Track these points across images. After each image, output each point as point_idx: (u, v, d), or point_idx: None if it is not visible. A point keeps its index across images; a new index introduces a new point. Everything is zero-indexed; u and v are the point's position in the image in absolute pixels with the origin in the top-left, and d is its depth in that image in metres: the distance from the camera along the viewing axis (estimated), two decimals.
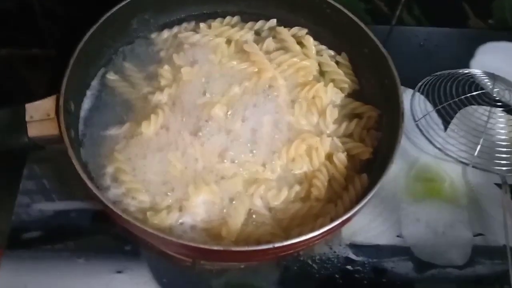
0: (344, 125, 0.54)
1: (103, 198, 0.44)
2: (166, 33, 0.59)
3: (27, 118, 0.46)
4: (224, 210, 0.48)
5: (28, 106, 0.47)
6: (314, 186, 0.50)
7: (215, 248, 0.41)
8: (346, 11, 0.56)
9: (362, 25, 0.56)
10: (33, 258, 0.52)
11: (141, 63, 0.57)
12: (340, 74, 0.57)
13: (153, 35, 0.59)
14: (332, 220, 0.45)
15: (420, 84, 0.66)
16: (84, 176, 0.44)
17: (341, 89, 0.57)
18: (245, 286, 0.52)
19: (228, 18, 0.61)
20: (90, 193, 0.45)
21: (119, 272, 0.51)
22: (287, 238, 0.45)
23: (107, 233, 0.53)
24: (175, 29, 0.60)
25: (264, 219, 0.48)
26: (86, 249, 0.53)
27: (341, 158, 0.51)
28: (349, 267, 0.53)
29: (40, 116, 0.46)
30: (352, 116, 0.56)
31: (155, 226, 0.46)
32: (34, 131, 0.46)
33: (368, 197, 0.45)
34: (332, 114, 0.54)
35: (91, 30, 0.52)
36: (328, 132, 0.54)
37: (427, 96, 0.65)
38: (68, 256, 0.52)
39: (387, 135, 0.52)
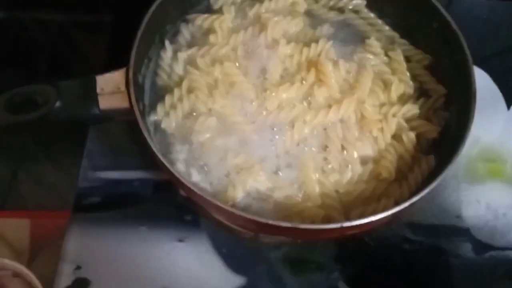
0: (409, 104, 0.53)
1: (177, 174, 0.45)
2: None
3: (98, 90, 0.47)
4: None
5: (99, 78, 0.47)
6: (383, 168, 0.49)
7: (283, 225, 0.41)
8: None
9: None
10: (98, 224, 0.53)
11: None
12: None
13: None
14: (397, 203, 0.44)
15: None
16: (156, 151, 0.45)
17: None
18: (303, 260, 0.53)
19: None
20: (161, 166, 0.46)
21: (180, 241, 0.53)
22: (346, 216, 0.45)
23: (168, 202, 0.54)
24: None
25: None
26: (149, 217, 0.54)
27: (410, 136, 0.50)
28: (406, 246, 0.53)
29: (110, 88, 0.46)
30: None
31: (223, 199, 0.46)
32: (105, 103, 0.46)
33: (437, 181, 0.44)
34: (397, 89, 0.53)
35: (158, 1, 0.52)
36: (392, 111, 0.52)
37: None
38: (132, 223, 0.53)
39: (456, 116, 0.50)
